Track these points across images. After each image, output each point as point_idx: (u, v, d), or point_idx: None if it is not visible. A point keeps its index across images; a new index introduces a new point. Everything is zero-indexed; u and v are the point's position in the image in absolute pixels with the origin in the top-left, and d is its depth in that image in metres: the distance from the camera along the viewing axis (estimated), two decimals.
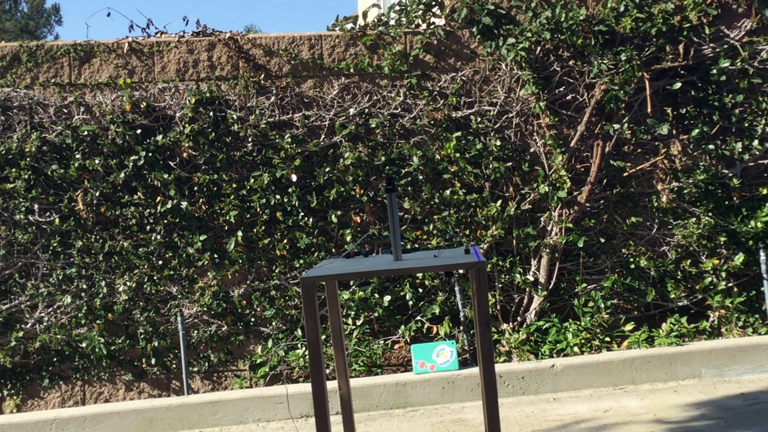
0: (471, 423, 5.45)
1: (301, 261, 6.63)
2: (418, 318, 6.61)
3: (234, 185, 6.59)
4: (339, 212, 6.59)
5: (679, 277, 6.67)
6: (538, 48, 6.65)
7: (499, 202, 6.55)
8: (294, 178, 6.55)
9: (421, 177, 6.64)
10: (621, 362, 6.05)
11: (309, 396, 5.89)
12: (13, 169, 6.57)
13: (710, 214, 6.61)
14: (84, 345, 6.53)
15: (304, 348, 6.52)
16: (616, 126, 6.51)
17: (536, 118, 6.70)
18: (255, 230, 6.62)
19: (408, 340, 6.55)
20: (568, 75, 6.69)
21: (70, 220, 6.57)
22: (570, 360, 6.10)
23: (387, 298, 6.55)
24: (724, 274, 6.59)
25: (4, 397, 6.60)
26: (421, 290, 6.63)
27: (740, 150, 6.62)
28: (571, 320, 6.55)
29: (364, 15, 6.92)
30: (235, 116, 6.60)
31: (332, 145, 6.67)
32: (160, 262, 6.62)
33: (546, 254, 6.62)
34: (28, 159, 6.55)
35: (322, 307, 6.44)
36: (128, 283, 6.58)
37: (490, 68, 6.72)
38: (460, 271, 6.51)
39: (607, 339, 6.39)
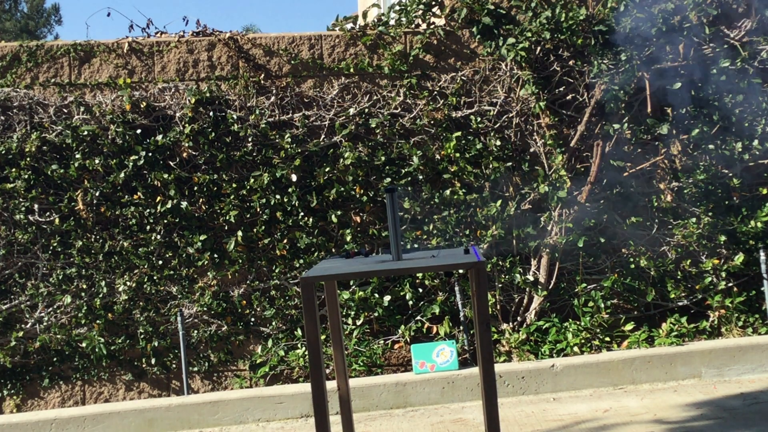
0: (471, 423, 5.45)
1: (301, 261, 6.63)
2: (418, 318, 6.61)
3: (234, 185, 6.59)
4: (339, 212, 6.59)
5: (679, 277, 6.67)
6: (538, 48, 6.64)
7: (499, 202, 6.55)
8: (294, 178, 6.55)
9: (421, 177, 6.64)
10: (621, 362, 6.05)
11: (309, 396, 5.89)
12: (13, 169, 6.56)
13: (710, 214, 6.61)
14: (84, 345, 6.53)
15: (304, 348, 6.52)
16: (616, 126, 6.51)
17: (536, 118, 6.70)
18: (255, 230, 6.62)
19: (408, 340, 6.55)
20: (568, 75, 6.69)
21: (70, 220, 6.57)
22: (570, 360, 6.10)
23: (387, 298, 6.55)
24: (724, 274, 6.60)
25: (4, 397, 6.60)
26: (421, 290, 6.64)
27: (740, 150, 6.62)
28: (571, 320, 6.55)
29: (364, 15, 6.92)
30: (235, 116, 6.60)
31: (332, 145, 6.67)
32: (160, 262, 6.62)
33: (546, 254, 6.62)
34: (28, 159, 6.55)
35: (322, 307, 6.43)
36: (128, 283, 6.58)
37: (490, 68, 6.73)
38: (460, 271, 6.51)
39: (607, 339, 6.39)
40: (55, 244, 6.58)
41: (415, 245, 6.59)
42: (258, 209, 6.59)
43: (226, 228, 6.64)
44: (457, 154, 6.58)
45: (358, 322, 6.59)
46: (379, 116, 6.67)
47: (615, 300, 6.65)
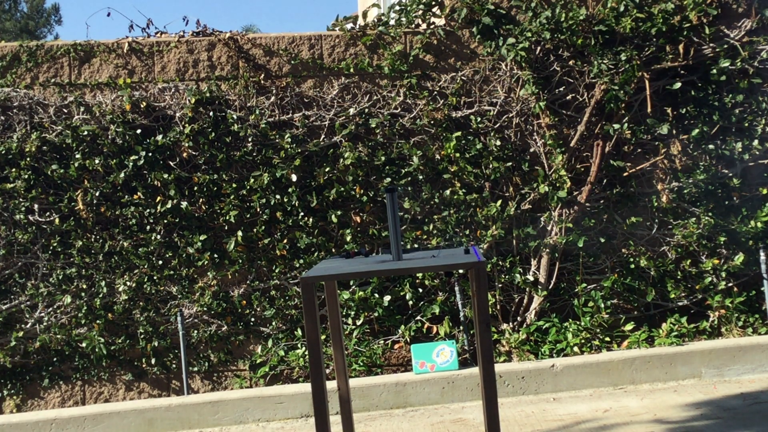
0: (471, 423, 5.45)
1: (301, 261, 6.63)
2: (418, 318, 6.61)
3: (234, 185, 6.59)
4: (339, 212, 6.59)
5: (679, 277, 6.67)
6: (538, 48, 6.64)
7: (499, 202, 6.55)
8: (294, 178, 6.55)
9: (421, 177, 6.64)
10: (621, 362, 6.05)
11: (309, 396, 5.89)
12: (13, 169, 6.56)
13: (710, 214, 6.61)
14: (84, 345, 6.53)
15: (304, 348, 6.52)
16: (616, 126, 6.51)
17: (536, 118, 6.70)
18: (255, 230, 6.62)
19: (408, 340, 6.55)
20: (568, 75, 6.69)
21: (70, 220, 6.57)
22: (570, 360, 6.10)
23: (387, 298, 6.55)
24: (724, 274, 6.60)
25: (4, 397, 6.60)
26: (421, 290, 6.64)
27: (740, 150, 6.62)
28: (571, 320, 6.55)
29: (364, 15, 6.92)
30: (235, 116, 6.60)
31: (332, 145, 6.67)
32: (160, 262, 6.62)
33: (546, 254, 6.62)
34: (28, 159, 6.55)
35: (322, 307, 6.44)
36: (128, 283, 6.58)
37: (490, 68, 6.72)
38: (460, 271, 6.51)
39: (607, 339, 6.39)
40: (55, 244, 6.58)
41: (415, 245, 6.59)
42: (258, 209, 6.59)
43: (226, 228, 6.64)
44: (457, 154, 6.58)
45: (358, 322, 6.59)
46: (379, 116, 6.67)
47: (615, 300, 6.65)
